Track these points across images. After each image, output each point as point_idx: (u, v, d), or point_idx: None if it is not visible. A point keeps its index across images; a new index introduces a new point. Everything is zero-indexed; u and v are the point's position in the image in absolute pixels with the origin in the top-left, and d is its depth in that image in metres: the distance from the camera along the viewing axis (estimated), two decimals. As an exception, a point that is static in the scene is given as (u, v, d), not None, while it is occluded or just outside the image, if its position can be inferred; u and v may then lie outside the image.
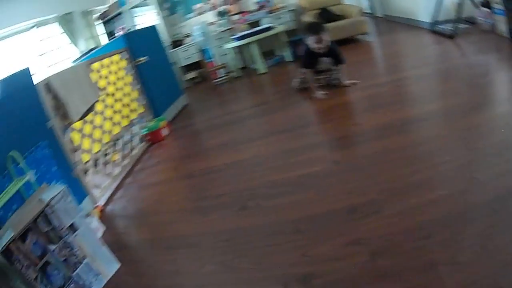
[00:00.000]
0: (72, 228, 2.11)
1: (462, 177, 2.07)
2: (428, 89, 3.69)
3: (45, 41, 7.06)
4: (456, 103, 3.10)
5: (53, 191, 2.11)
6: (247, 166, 3.14)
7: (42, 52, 6.90)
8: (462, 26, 5.32)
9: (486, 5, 5.02)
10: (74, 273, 2.06)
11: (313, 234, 2.01)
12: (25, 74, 2.96)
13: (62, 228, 2.06)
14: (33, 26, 6.77)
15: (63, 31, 7.32)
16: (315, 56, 4.31)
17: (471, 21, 5.43)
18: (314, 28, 4.20)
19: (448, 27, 5.38)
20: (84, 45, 7.67)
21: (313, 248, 1.89)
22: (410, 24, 7.19)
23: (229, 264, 2.00)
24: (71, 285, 2.03)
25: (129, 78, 4.72)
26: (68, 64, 6.19)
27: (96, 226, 2.74)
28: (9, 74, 2.87)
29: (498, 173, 1.99)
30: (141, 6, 8.55)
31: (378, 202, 2.06)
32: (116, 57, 4.53)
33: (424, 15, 6.39)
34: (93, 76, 3.93)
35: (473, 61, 4.19)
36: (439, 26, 5.73)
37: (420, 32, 6.26)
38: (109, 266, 2.24)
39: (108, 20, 8.71)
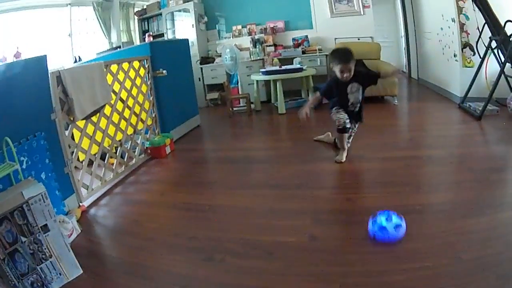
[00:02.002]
0: (45, 228, 2.25)
1: None
2: (435, 177, 3.56)
3: (77, 22, 6.98)
4: (459, 199, 2.96)
5: (35, 190, 2.23)
6: (228, 214, 3.08)
7: (71, 33, 6.82)
8: (491, 107, 5.20)
9: None
10: (39, 266, 2.22)
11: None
12: (41, 61, 2.99)
13: (35, 226, 2.21)
14: (68, 4, 6.73)
15: (97, 17, 7.26)
16: (341, 84, 3.90)
17: (502, 103, 5.32)
18: (342, 56, 3.80)
19: (477, 106, 5.28)
20: (115, 37, 7.66)
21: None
22: (441, 94, 7.16)
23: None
24: (33, 275, 2.20)
25: (145, 88, 4.68)
26: (92, 54, 6.11)
27: (72, 227, 2.79)
28: (27, 58, 2.94)
29: None
30: (181, 12, 8.56)
31: None
32: (136, 64, 4.51)
33: (456, 87, 6.37)
34: (109, 78, 3.92)
35: (493, 151, 4.09)
36: (469, 103, 5.62)
37: (448, 105, 6.19)
38: (72, 270, 2.36)
39: (146, 18, 8.77)
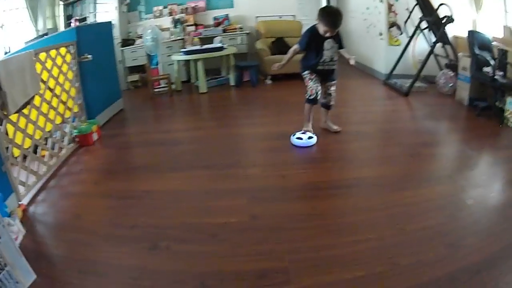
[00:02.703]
0: None
1: (382, 259, 2.07)
2: (366, 151, 3.73)
3: (8, 13, 6.55)
4: (394, 173, 3.14)
5: None
6: (165, 199, 3.11)
7: (2, 24, 6.43)
8: (419, 84, 5.41)
9: (451, 67, 5.15)
10: None
11: (218, 294, 1.99)
12: None
13: None
14: None
15: (26, 5, 6.86)
16: (320, 38, 3.89)
17: (430, 81, 5.56)
18: (334, 22, 3.77)
19: (403, 83, 5.48)
20: (42, 25, 7.30)
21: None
22: (364, 71, 7.36)
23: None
24: None
25: (71, 74, 4.60)
26: (21, 43, 5.88)
27: (18, 229, 2.70)
28: None
29: (422, 261, 2.02)
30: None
31: (290, 271, 2.05)
32: (63, 50, 4.41)
33: (380, 65, 6.57)
34: (38, 67, 3.83)
35: (422, 127, 4.25)
36: (395, 80, 5.84)
37: (373, 82, 6.38)
38: (27, 276, 2.20)
39: (71, 2, 8.43)
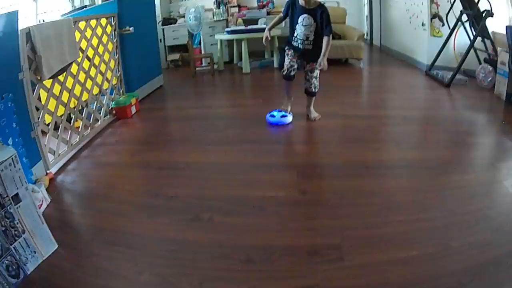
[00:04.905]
0: (16, 198, 1.93)
1: (435, 240, 1.98)
2: (412, 135, 3.64)
3: None
4: (440, 157, 3.05)
5: (4, 154, 1.90)
6: (208, 171, 2.98)
7: None
8: (460, 77, 5.37)
9: (490, 62, 5.07)
10: (12, 245, 1.87)
11: (265, 268, 1.84)
12: (12, 17, 2.73)
13: (5, 197, 1.87)
14: None
15: None
16: (297, 10, 3.64)
17: (470, 75, 5.49)
18: None
19: (445, 74, 5.43)
20: (79, 0, 7.29)
21: (263, 285, 1.74)
22: (405, 61, 7.29)
23: (168, 279, 1.82)
24: (8, 257, 1.83)
25: (111, 46, 4.49)
26: (56, 16, 5.82)
27: (42, 197, 2.57)
28: None
29: (471, 244, 1.93)
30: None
31: (343, 248, 1.93)
32: (103, 21, 4.31)
33: (422, 55, 6.49)
34: (76, 35, 3.70)
35: (463, 116, 4.19)
36: (436, 71, 5.78)
37: (415, 72, 6.32)
38: (47, 245, 2.06)
39: None
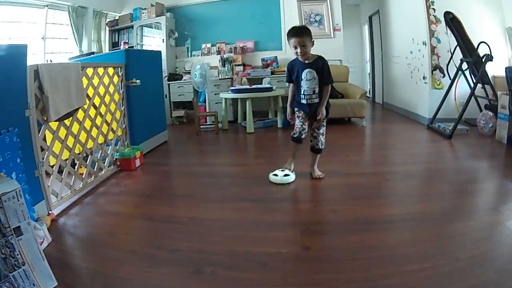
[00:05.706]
0: (18, 231, 1.91)
1: (438, 286, 1.97)
2: (414, 189, 3.62)
3: (51, 26, 6.81)
4: (442, 207, 3.06)
5: (8, 186, 1.91)
6: (210, 227, 2.89)
7: (44, 36, 6.63)
8: (461, 127, 5.47)
9: (491, 108, 5.19)
10: (11, 274, 1.87)
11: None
12: (22, 50, 2.74)
13: (7, 227, 1.86)
14: (46, 6, 6.56)
15: (70, 23, 7.08)
16: (298, 67, 3.66)
17: (471, 123, 5.61)
18: (296, 29, 3.53)
19: (446, 126, 5.52)
20: (86, 46, 7.48)
21: None
22: (408, 116, 7.38)
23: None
24: (6, 284, 1.86)
25: (117, 96, 4.48)
26: (64, 58, 5.88)
27: (44, 235, 2.51)
28: (7, 44, 2.65)
29: (474, 286, 1.94)
30: (152, 28, 8.47)
31: None
32: (111, 70, 4.33)
33: (424, 109, 6.59)
34: (84, 82, 3.70)
35: (465, 166, 4.27)
36: (438, 123, 5.87)
37: (417, 126, 6.40)
38: (47, 281, 2.01)
39: (117, 29, 8.60)
